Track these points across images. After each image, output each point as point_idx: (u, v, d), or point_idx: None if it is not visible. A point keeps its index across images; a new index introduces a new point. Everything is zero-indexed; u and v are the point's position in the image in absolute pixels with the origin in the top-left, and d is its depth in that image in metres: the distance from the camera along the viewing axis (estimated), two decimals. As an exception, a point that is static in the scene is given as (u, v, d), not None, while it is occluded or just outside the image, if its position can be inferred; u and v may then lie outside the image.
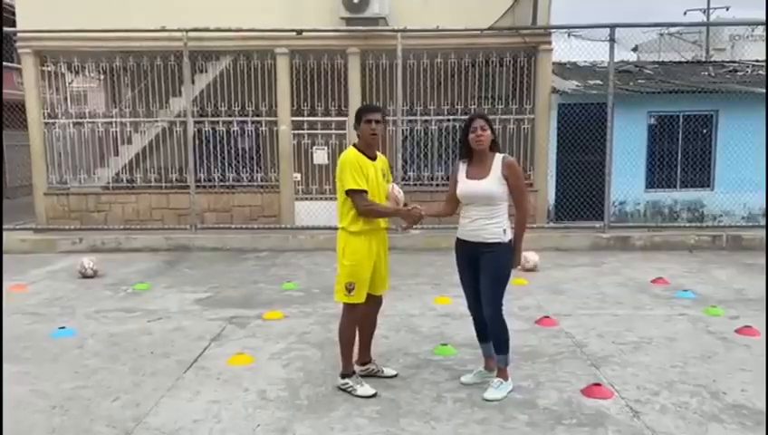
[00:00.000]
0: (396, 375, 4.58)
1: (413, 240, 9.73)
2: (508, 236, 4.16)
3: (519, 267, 4.44)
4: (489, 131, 4.13)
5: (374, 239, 4.29)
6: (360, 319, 4.38)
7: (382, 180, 4.30)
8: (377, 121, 4.19)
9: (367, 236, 4.23)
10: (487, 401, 4.17)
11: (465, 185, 4.21)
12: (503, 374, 4.33)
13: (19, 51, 10.65)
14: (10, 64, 17.56)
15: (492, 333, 4.34)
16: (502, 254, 4.14)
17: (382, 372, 4.60)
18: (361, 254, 4.21)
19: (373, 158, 4.28)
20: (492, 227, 4.13)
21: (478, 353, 5.05)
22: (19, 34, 10.57)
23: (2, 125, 10.39)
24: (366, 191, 4.15)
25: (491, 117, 10.93)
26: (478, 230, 4.16)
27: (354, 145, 4.30)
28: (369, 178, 4.18)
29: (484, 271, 4.18)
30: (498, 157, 4.16)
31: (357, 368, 4.50)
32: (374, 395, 4.23)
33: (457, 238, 4.34)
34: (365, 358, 4.62)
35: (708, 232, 10.02)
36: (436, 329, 5.76)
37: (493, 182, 4.11)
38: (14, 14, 10.92)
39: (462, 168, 4.28)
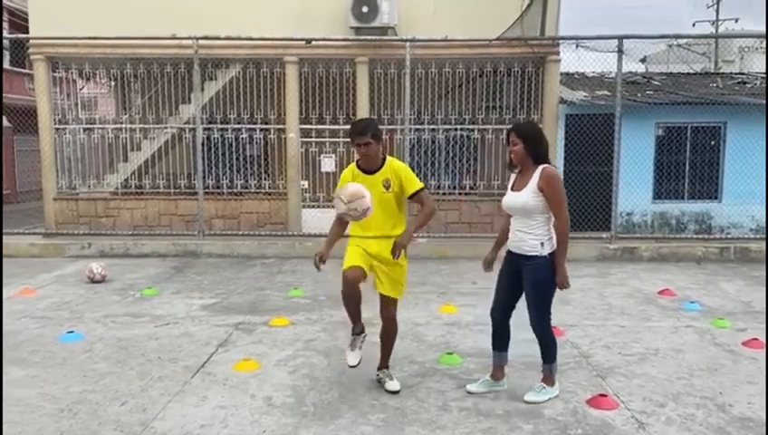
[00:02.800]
0: (397, 392, 4.47)
1: (419, 249, 9.74)
2: (547, 250, 4.12)
3: (563, 286, 4.18)
4: (520, 145, 4.13)
5: (364, 242, 4.38)
6: (347, 286, 4.30)
7: (380, 191, 4.32)
8: (366, 144, 4.29)
9: (361, 241, 4.41)
10: (527, 402, 4.24)
11: (507, 196, 4.29)
12: (548, 380, 4.37)
13: (31, 57, 10.76)
14: (22, 70, 17.79)
15: (539, 344, 4.37)
16: (540, 267, 4.13)
17: (384, 383, 4.55)
18: (351, 247, 4.42)
19: (371, 171, 4.38)
20: (530, 239, 4.14)
21: (484, 363, 5.06)
22: (32, 41, 10.68)
23: (1, 129, 10.47)
24: None
25: (498, 127, 11.00)
26: (518, 242, 4.21)
27: (356, 160, 4.50)
28: None
29: (525, 283, 4.23)
30: (539, 168, 4.13)
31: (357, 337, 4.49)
32: (351, 365, 4.43)
33: (508, 248, 4.40)
34: (380, 363, 4.65)
35: (716, 244, 9.99)
36: (442, 338, 5.77)
37: (528, 194, 4.11)
38: (27, 20, 11.04)
39: (511, 179, 4.37)
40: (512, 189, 4.27)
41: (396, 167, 4.41)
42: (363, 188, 4.24)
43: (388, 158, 4.46)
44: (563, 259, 4.13)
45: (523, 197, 4.13)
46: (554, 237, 4.16)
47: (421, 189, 4.42)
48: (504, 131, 4.32)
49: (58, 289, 7.75)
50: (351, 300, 4.34)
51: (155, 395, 4.43)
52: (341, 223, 4.50)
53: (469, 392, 4.46)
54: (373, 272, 4.39)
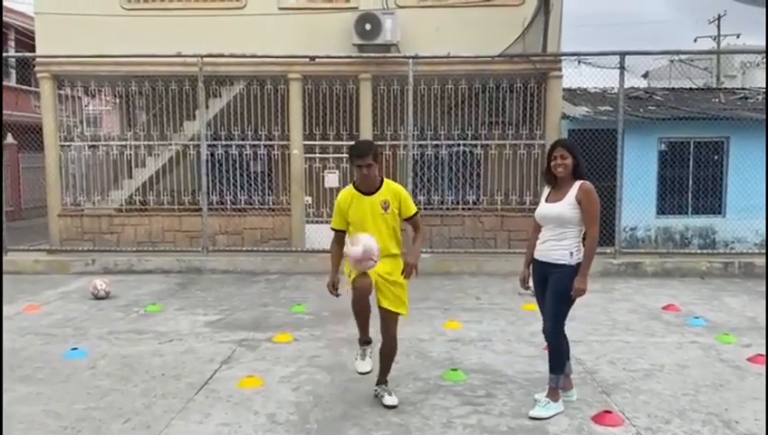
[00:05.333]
0: (395, 407, 4.48)
1: (423, 264, 9.62)
2: (575, 260, 4.26)
3: (579, 293, 4.26)
4: (570, 159, 4.28)
5: None
6: (357, 295, 4.25)
7: (378, 212, 4.37)
8: (368, 166, 4.32)
9: None
10: (532, 418, 4.25)
11: (542, 207, 4.44)
12: (552, 395, 4.39)
13: (38, 75, 10.86)
14: (28, 88, 17.93)
15: (549, 350, 4.45)
16: (566, 275, 4.25)
17: (382, 398, 4.57)
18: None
19: (369, 193, 4.42)
20: (560, 249, 4.28)
21: (489, 379, 5.06)
22: (38, 59, 10.79)
23: (2, 144, 10.52)
24: (339, 231, 4.51)
25: (501, 142, 11.04)
26: (547, 251, 4.35)
27: (353, 181, 4.53)
28: (353, 214, 4.40)
29: (549, 290, 4.35)
30: (577, 183, 4.30)
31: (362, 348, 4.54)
32: (363, 373, 4.47)
33: (534, 258, 4.50)
34: (378, 379, 4.65)
35: (720, 259, 9.96)
36: (446, 354, 5.75)
37: (565, 206, 4.27)
38: (33, 39, 11.16)
39: (546, 192, 4.50)
40: (546, 201, 4.42)
41: (395, 189, 4.48)
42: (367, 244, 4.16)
43: (385, 179, 4.52)
44: (587, 270, 4.25)
45: (561, 208, 4.28)
46: (582, 249, 4.28)
47: (417, 213, 4.59)
48: (549, 147, 4.40)
49: (62, 305, 7.76)
50: (362, 309, 4.35)
51: (158, 412, 4.43)
52: (339, 243, 4.47)
53: (536, 400, 4.47)
54: (376, 287, 4.37)
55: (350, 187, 4.53)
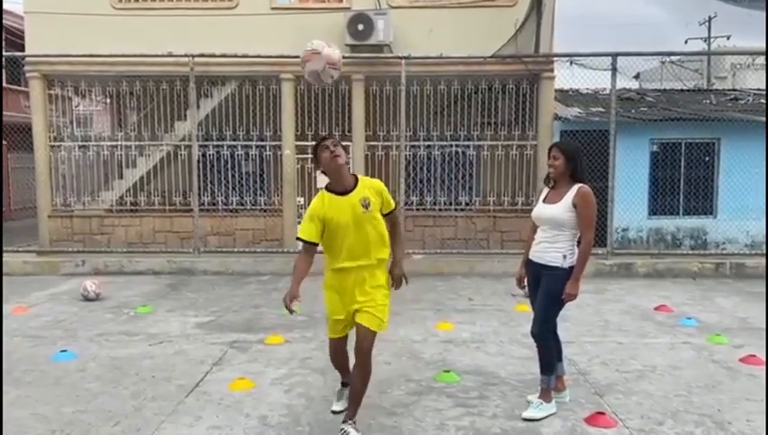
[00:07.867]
0: (340, 412, 4.22)
1: (415, 265, 9.71)
2: (567, 263, 4.25)
3: (570, 298, 4.23)
4: (561, 160, 4.29)
5: (343, 278, 3.99)
6: (332, 352, 4.28)
7: (359, 212, 3.86)
8: (334, 145, 3.85)
9: (335, 276, 4.03)
10: (525, 419, 4.24)
11: (538, 208, 4.47)
12: (545, 396, 4.38)
13: (27, 75, 10.77)
14: (18, 87, 17.79)
15: (538, 353, 4.45)
16: (558, 278, 4.25)
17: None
18: (330, 295, 4.10)
19: (344, 192, 3.90)
20: (553, 251, 4.29)
21: (482, 380, 5.05)
22: (27, 58, 10.70)
23: (2, 147, 10.41)
24: (309, 242, 3.94)
25: (493, 143, 11.02)
26: (541, 252, 4.35)
27: (326, 186, 3.99)
28: (332, 218, 3.86)
29: (540, 291, 4.36)
30: (576, 186, 4.29)
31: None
32: (335, 411, 4.28)
33: (528, 258, 4.51)
34: (348, 413, 4.06)
35: (711, 260, 10.00)
36: (439, 355, 5.73)
37: (560, 208, 4.27)
38: (23, 38, 11.05)
39: (544, 192, 4.51)
40: (543, 202, 4.43)
41: (372, 183, 4.00)
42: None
43: (360, 176, 4.04)
44: (580, 273, 4.25)
45: (555, 210, 4.29)
46: (576, 253, 4.28)
47: (396, 207, 4.15)
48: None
49: (52, 307, 7.68)
50: (338, 362, 4.35)
51: (149, 415, 4.38)
52: (308, 256, 3.99)
53: (529, 402, 4.46)
54: (356, 314, 3.94)
55: (320, 192, 3.96)
